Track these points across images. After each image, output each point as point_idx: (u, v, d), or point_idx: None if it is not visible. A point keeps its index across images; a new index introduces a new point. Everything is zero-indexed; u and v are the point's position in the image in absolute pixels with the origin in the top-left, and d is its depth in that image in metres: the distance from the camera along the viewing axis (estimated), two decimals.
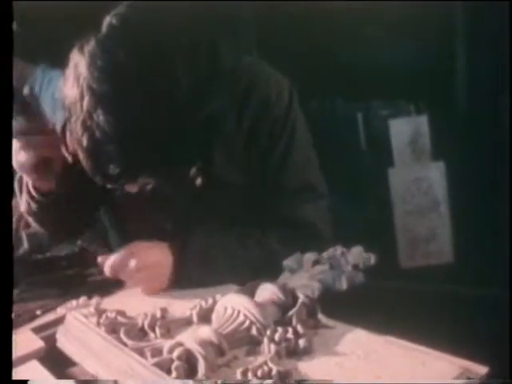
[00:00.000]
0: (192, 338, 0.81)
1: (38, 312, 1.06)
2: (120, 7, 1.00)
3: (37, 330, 0.95)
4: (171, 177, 1.02)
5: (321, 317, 0.86)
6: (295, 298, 0.85)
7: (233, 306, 0.84)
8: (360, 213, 2.56)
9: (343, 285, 0.87)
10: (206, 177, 1.08)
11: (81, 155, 0.96)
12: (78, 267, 1.06)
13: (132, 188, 1.02)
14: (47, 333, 0.94)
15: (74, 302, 1.01)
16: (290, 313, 0.83)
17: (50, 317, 1.00)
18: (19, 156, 1.11)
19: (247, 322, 0.82)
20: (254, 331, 0.81)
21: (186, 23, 1.02)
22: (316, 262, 0.92)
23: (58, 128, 1.05)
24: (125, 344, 0.85)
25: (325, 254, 0.93)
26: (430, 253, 2.65)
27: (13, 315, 1.06)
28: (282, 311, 0.84)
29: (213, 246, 1.11)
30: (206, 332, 0.81)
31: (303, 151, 1.20)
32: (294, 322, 0.82)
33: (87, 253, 1.07)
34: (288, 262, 0.93)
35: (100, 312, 0.96)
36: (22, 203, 1.22)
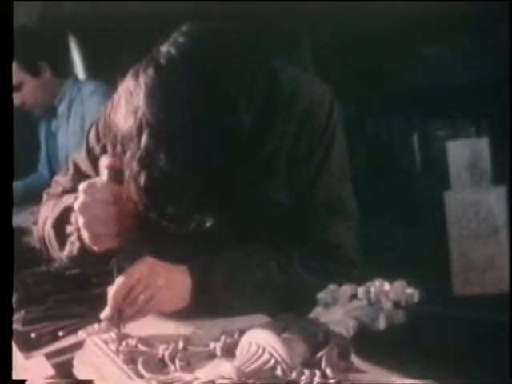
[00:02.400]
0: (213, 374, 0.75)
1: (60, 333, 1.01)
2: (176, 34, 0.96)
3: (53, 355, 0.90)
4: (227, 213, 0.96)
5: (354, 359, 0.78)
6: (327, 337, 0.77)
7: (258, 342, 0.77)
8: (414, 237, 2.47)
9: (381, 324, 0.79)
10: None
11: (135, 191, 0.92)
12: (108, 286, 1.00)
13: (188, 226, 0.96)
14: (64, 357, 0.90)
15: (96, 326, 0.96)
16: (320, 353, 0.75)
17: (70, 340, 0.96)
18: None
19: (272, 361, 0.74)
20: (278, 371, 0.74)
21: (244, 47, 0.98)
22: (353, 297, 0.84)
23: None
24: (142, 376, 0.80)
25: (363, 288, 0.85)
26: (485, 281, 2.53)
27: (34, 335, 1.03)
28: (311, 350, 0.76)
29: (236, 270, 1.04)
30: (227, 369, 0.75)
31: (339, 165, 1.12)
32: (324, 364, 0.74)
33: (121, 271, 1.01)
34: (323, 296, 0.85)
35: (121, 338, 0.90)
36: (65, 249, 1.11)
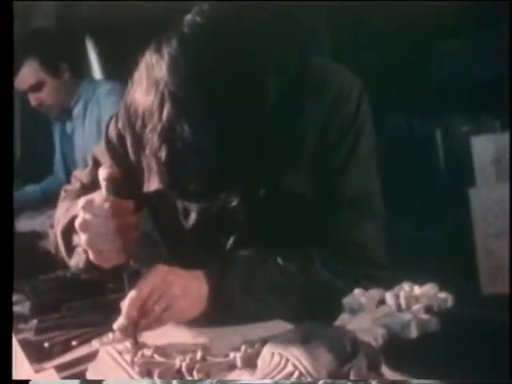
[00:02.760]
0: None
1: (74, 343, 0.97)
2: (202, 3, 0.91)
3: (65, 367, 0.86)
4: (254, 193, 0.92)
5: (384, 370, 0.72)
6: (354, 346, 0.72)
7: (281, 352, 0.72)
8: (439, 235, 2.41)
9: (412, 332, 0.73)
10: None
11: (156, 169, 0.87)
12: (125, 291, 0.95)
13: (212, 205, 0.92)
14: (77, 369, 0.85)
15: (110, 335, 0.92)
16: (349, 365, 0.70)
17: (83, 350, 0.91)
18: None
19: (296, 374, 0.69)
20: None
21: (273, 23, 0.93)
22: (381, 302, 0.79)
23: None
24: None
25: (391, 293, 0.79)
26: None
27: (47, 344, 0.99)
28: (338, 361, 0.71)
29: (255, 274, 0.98)
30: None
31: (366, 158, 1.05)
32: (352, 375, 0.69)
33: (138, 275, 0.97)
34: (348, 301, 0.80)
35: (136, 348, 0.86)
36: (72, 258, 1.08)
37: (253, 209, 0.97)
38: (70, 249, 1.06)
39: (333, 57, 2.39)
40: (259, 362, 0.75)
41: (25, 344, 0.99)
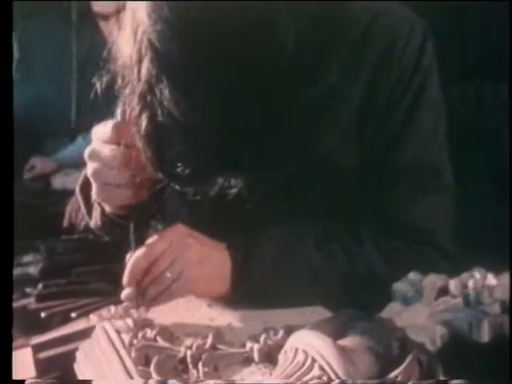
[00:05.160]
0: None
1: (73, 315, 0.83)
2: None
3: (52, 345, 0.72)
4: (262, 175, 0.73)
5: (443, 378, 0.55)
6: (404, 348, 0.55)
7: (306, 349, 0.55)
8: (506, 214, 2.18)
9: (484, 334, 0.56)
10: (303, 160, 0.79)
11: (138, 140, 0.70)
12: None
13: (207, 191, 0.73)
14: (67, 348, 0.71)
15: (112, 309, 0.77)
16: (395, 372, 0.53)
17: (79, 325, 0.77)
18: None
19: (324, 379, 0.53)
20: None
21: None
22: (443, 292, 0.61)
23: None
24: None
25: (457, 281, 0.62)
26: None
27: (44, 314, 0.85)
28: (381, 366, 0.54)
29: (288, 253, 0.82)
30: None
31: (431, 123, 0.86)
32: None
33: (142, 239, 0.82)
34: (400, 287, 0.63)
35: (139, 327, 0.71)
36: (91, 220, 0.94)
37: (283, 185, 0.80)
38: (90, 204, 0.92)
39: None
40: (280, 357, 0.58)
41: (20, 313, 0.86)
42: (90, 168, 0.79)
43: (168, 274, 0.76)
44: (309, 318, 0.69)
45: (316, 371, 0.53)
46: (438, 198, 0.85)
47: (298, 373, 0.54)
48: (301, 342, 0.56)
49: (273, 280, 0.79)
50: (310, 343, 0.55)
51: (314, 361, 0.54)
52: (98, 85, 0.72)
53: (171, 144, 0.67)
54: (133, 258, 0.75)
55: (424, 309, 0.58)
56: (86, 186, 0.90)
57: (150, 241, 0.77)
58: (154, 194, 0.79)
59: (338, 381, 0.51)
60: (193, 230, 0.81)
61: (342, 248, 0.82)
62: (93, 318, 0.77)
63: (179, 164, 0.68)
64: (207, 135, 0.66)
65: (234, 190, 0.71)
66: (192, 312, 0.79)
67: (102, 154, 0.77)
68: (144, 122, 0.67)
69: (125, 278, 0.75)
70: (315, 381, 0.52)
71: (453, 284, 0.61)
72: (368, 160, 0.84)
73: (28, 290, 1.00)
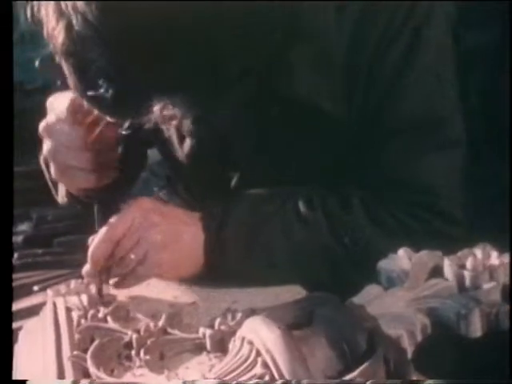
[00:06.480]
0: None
1: (36, 288, 0.75)
2: None
3: None
4: (217, 102, 0.61)
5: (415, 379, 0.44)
6: (373, 341, 0.44)
7: (253, 340, 0.45)
8: None
9: (475, 328, 0.44)
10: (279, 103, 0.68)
11: (57, 57, 0.60)
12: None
13: (145, 123, 0.61)
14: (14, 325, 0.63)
15: (72, 283, 0.69)
16: (357, 371, 0.42)
17: (32, 300, 0.70)
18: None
19: (266, 378, 0.43)
20: None
21: None
22: (435, 272, 0.50)
23: None
24: (86, 371, 0.52)
25: (454, 258, 0.50)
26: None
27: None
28: (342, 363, 0.44)
29: (265, 223, 0.70)
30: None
31: (434, 68, 0.72)
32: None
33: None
34: (384, 265, 0.52)
35: (92, 305, 0.63)
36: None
37: (259, 136, 0.70)
38: (54, 182, 0.83)
39: None
40: (230, 347, 0.49)
41: None
42: (47, 145, 0.71)
43: (132, 256, 0.67)
44: (282, 300, 0.59)
45: (258, 369, 0.43)
46: (444, 154, 0.72)
47: (238, 370, 0.44)
48: (249, 330, 0.46)
49: (247, 252, 0.69)
50: (258, 333, 0.45)
51: (258, 355, 0.44)
52: None
53: (91, 59, 0.56)
54: (93, 244, 0.67)
55: (406, 293, 0.47)
56: (47, 161, 0.81)
57: (111, 220, 0.69)
58: (122, 174, 0.71)
59: (280, 381, 0.41)
60: (162, 203, 0.72)
61: (327, 216, 0.70)
62: (49, 293, 0.69)
63: (100, 82, 0.57)
64: (135, 48, 0.54)
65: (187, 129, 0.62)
66: (161, 286, 0.70)
67: (58, 132, 0.69)
68: (61, 34, 0.56)
69: (88, 261, 0.67)
70: (254, 381, 0.42)
71: (448, 263, 0.49)
72: (358, 109, 0.71)
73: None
